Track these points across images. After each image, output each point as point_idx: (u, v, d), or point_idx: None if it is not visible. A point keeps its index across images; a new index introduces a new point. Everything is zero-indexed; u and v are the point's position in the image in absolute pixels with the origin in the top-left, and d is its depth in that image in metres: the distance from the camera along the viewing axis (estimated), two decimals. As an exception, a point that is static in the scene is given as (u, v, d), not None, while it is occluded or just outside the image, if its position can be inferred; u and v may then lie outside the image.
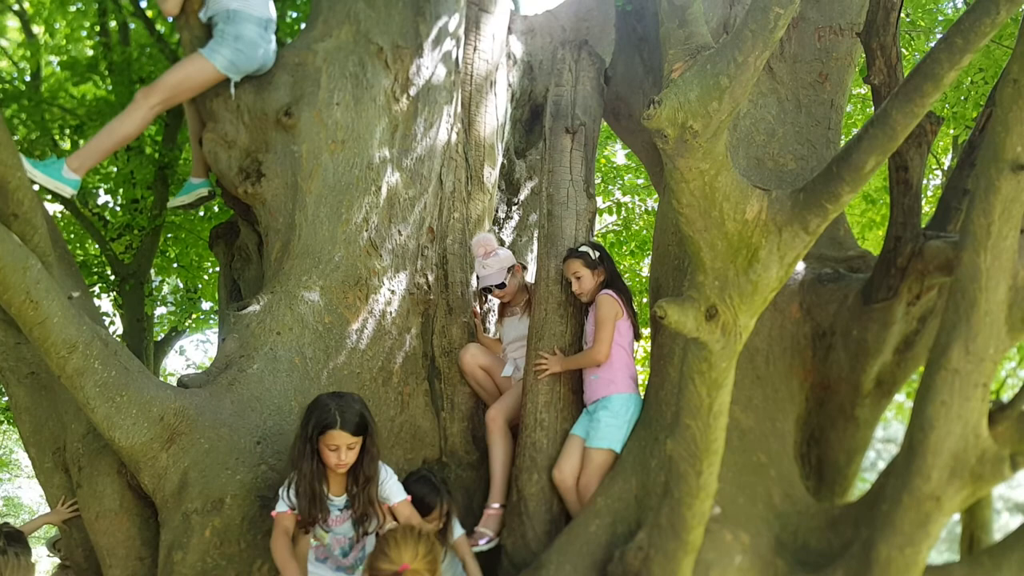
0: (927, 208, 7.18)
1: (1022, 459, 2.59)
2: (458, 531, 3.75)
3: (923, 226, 3.42)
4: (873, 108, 3.25)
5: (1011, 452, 2.61)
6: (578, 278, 3.95)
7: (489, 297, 4.86)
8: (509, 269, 4.41)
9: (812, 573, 3.03)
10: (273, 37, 4.59)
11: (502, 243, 5.38)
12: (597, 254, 3.97)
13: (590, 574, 3.31)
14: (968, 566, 2.87)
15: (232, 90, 4.48)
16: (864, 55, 3.16)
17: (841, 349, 3.56)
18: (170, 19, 4.65)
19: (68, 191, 4.30)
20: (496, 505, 4.04)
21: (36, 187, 4.04)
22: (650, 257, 9.12)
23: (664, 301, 1.98)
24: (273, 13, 4.60)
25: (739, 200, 1.92)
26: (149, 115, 4.40)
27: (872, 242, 8.03)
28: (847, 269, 3.78)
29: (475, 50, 5.25)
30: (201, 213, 7.88)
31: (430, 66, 4.81)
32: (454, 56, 4.97)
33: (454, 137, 4.94)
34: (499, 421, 4.18)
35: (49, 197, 7.74)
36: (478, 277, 4.60)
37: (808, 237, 1.98)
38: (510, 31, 5.66)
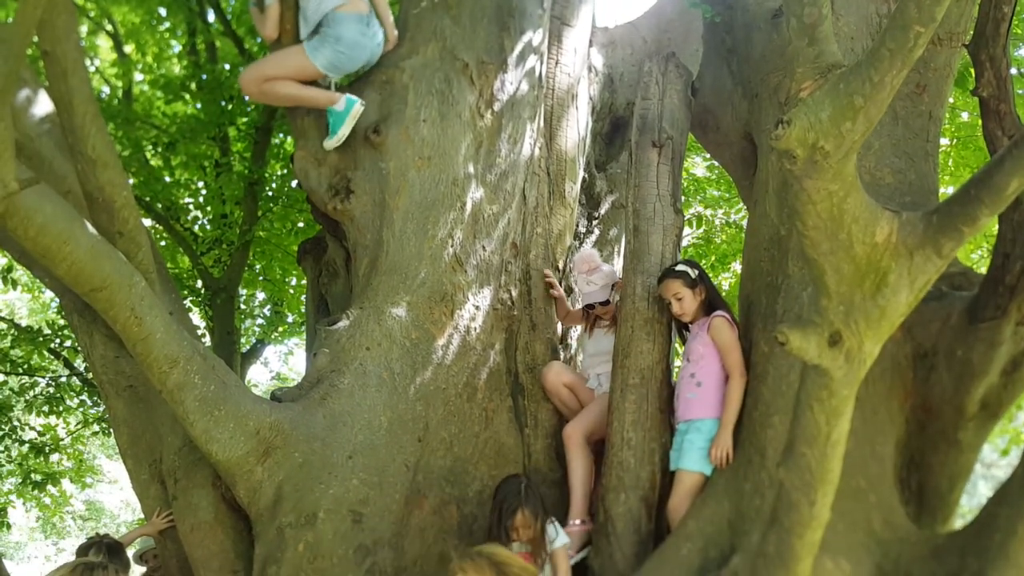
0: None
1: None
2: (560, 539, 3.71)
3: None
4: (981, 120, 3.13)
5: None
6: (679, 299, 3.88)
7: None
8: (612, 285, 4.42)
9: (917, 604, 2.92)
10: (379, 30, 4.61)
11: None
12: (696, 272, 3.91)
13: (682, 598, 3.25)
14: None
15: (333, 87, 4.53)
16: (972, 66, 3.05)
17: (944, 370, 3.43)
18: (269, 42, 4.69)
19: (359, 105, 4.40)
20: (577, 522, 4.01)
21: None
22: (729, 271, 9.01)
23: (786, 326, 1.92)
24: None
25: (868, 222, 1.85)
26: (269, 86, 4.42)
27: (962, 257, 7.75)
28: (949, 287, 3.64)
29: (557, 64, 5.25)
30: (287, 228, 8.05)
31: (514, 81, 4.83)
32: (537, 71, 4.98)
33: (537, 152, 4.94)
34: (576, 438, 4.16)
35: (143, 212, 8.02)
36: (580, 293, 4.61)
37: (941, 261, 1.91)
38: (591, 43, 5.66)
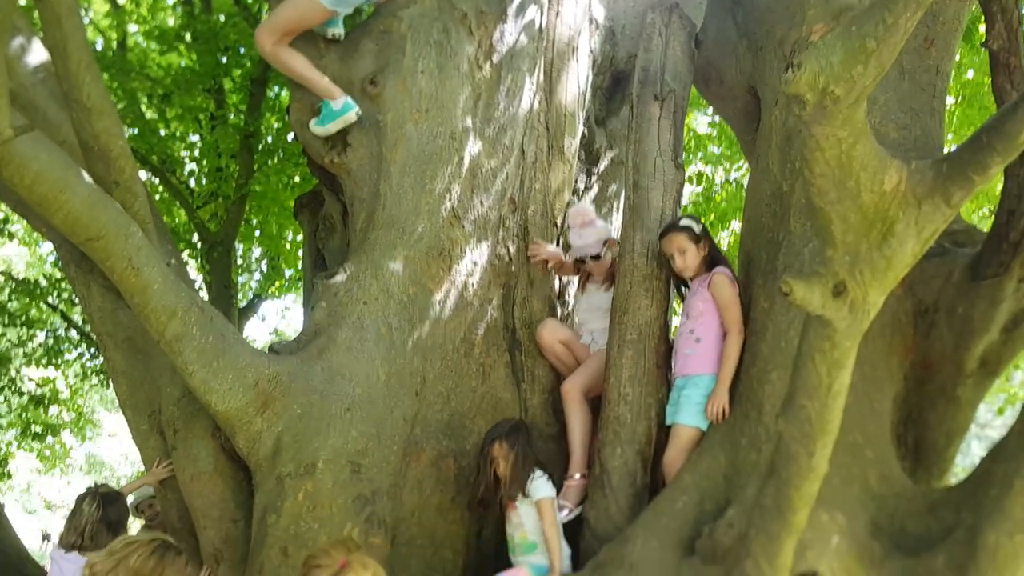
0: None
1: None
2: (542, 491, 3.73)
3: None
4: (990, 74, 3.08)
5: None
6: (682, 253, 3.87)
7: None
8: (605, 242, 4.39)
9: (910, 557, 2.94)
10: None
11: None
12: (700, 227, 3.89)
13: (677, 550, 3.28)
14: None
15: (340, 29, 4.44)
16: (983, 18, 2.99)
17: (944, 326, 3.42)
18: None
19: (353, 114, 4.33)
20: (577, 476, 4.04)
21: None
22: (728, 230, 8.97)
23: (790, 277, 1.90)
24: None
25: (877, 170, 1.82)
26: (283, 43, 4.34)
27: (965, 215, 7.72)
28: (951, 244, 3.63)
29: (557, 15, 5.15)
30: (283, 181, 8.00)
31: (513, 32, 4.75)
32: (537, 22, 4.89)
33: (536, 106, 4.88)
34: (575, 393, 4.17)
35: (139, 165, 7.94)
36: (572, 247, 4.58)
37: (949, 211, 1.88)
38: (593, -6, 5.56)
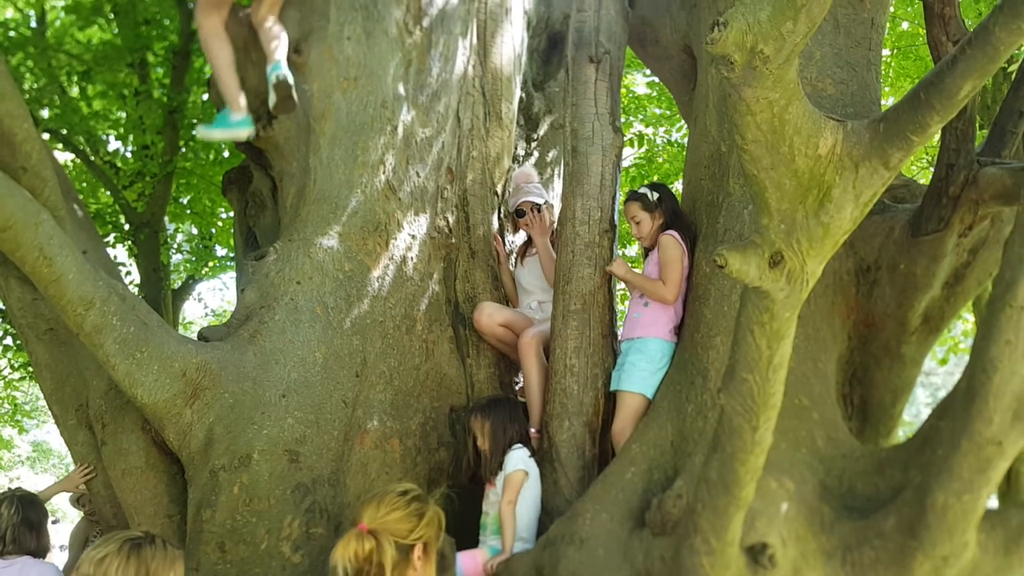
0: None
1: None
2: (512, 464, 3.61)
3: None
4: (925, 25, 3.01)
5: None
6: (637, 222, 3.87)
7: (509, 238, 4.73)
8: (545, 201, 4.39)
9: (860, 519, 2.92)
10: None
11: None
12: (656, 195, 3.85)
13: (627, 522, 3.23)
14: (1030, 510, 2.75)
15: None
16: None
17: (887, 284, 3.40)
18: None
19: (245, 133, 4.19)
20: (534, 431, 3.96)
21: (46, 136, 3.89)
22: (674, 191, 8.92)
23: (725, 248, 1.81)
24: None
25: (811, 133, 1.73)
26: (218, 29, 4.19)
27: (904, 169, 7.77)
28: (891, 200, 3.59)
29: (488, -26, 4.98)
30: (211, 157, 7.72)
31: (443, -7, 4.57)
32: (468, -18, 4.72)
33: (470, 71, 4.72)
34: (532, 346, 4.11)
35: (60, 146, 7.61)
36: (515, 203, 4.52)
37: (888, 173, 1.80)
38: (525, -48, 5.38)
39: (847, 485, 3.08)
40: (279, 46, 4.14)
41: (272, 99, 4.06)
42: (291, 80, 4.04)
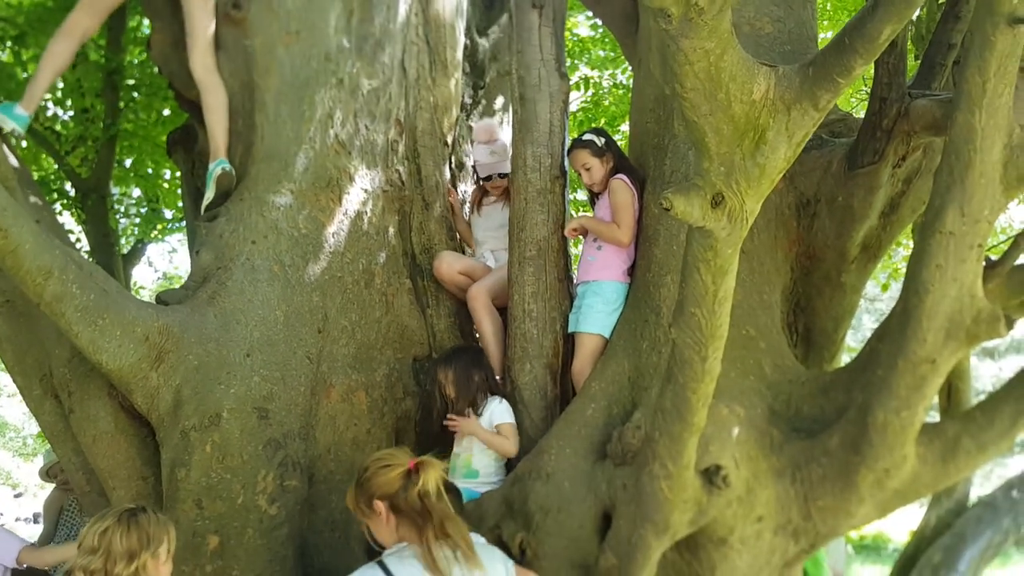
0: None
1: (1015, 316, 2.61)
2: (501, 417, 3.72)
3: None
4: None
5: (1004, 309, 2.63)
6: (587, 169, 3.91)
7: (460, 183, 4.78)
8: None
9: (807, 440, 3.10)
10: None
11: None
12: (603, 140, 3.90)
13: (590, 455, 3.37)
14: (961, 423, 2.94)
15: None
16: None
17: (826, 217, 3.54)
18: None
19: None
20: (496, 379, 4.07)
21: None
22: (619, 134, 8.99)
23: (670, 192, 1.91)
24: None
25: (746, 80, 1.82)
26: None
27: (842, 103, 7.93)
28: (829, 134, 3.72)
29: (425, -83, 4.92)
30: (152, 118, 7.56)
31: (381, -61, 4.52)
32: (405, -73, 4.66)
33: (413, 19, 4.70)
34: (482, 298, 4.20)
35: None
36: (478, 163, 4.52)
37: (818, 114, 1.91)
38: None
39: (794, 408, 3.26)
40: (221, 146, 4.10)
41: (210, 194, 4.02)
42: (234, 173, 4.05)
